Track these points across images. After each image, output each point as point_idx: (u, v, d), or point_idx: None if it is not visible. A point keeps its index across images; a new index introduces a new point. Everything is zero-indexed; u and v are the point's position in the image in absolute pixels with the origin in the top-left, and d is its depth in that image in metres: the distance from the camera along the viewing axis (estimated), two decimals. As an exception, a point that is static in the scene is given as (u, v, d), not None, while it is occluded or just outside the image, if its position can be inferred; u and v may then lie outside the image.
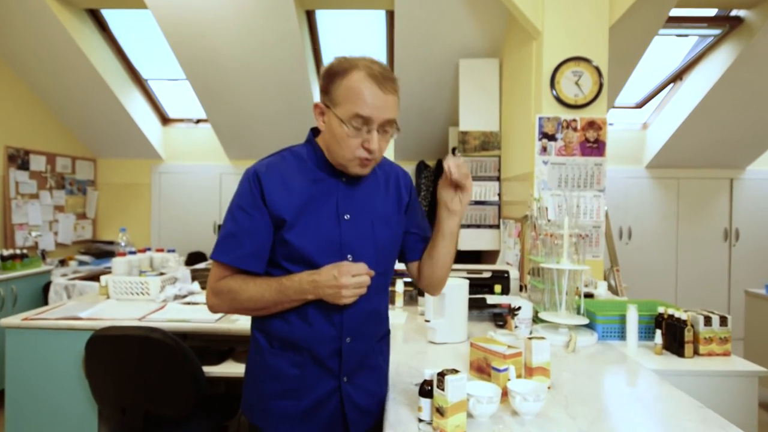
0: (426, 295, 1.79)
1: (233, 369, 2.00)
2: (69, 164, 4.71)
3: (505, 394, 1.20)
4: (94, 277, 4.04)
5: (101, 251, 4.60)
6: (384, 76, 1.08)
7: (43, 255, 4.19)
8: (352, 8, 3.74)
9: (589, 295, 2.15)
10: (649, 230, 4.73)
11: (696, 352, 1.63)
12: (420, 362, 1.57)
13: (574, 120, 2.67)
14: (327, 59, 4.25)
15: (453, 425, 1.05)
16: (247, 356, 2.07)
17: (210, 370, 1.96)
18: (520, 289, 2.43)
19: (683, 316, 1.64)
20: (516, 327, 1.84)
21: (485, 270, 2.29)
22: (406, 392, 1.30)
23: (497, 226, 3.71)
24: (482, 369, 1.40)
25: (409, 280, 2.44)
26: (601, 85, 2.65)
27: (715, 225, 4.74)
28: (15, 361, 2.06)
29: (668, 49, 4.07)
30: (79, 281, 3.47)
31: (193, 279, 2.69)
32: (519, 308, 1.83)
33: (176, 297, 2.44)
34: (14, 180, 4.07)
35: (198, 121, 5.03)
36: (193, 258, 4.69)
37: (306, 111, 4.28)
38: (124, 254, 2.57)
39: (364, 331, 1.20)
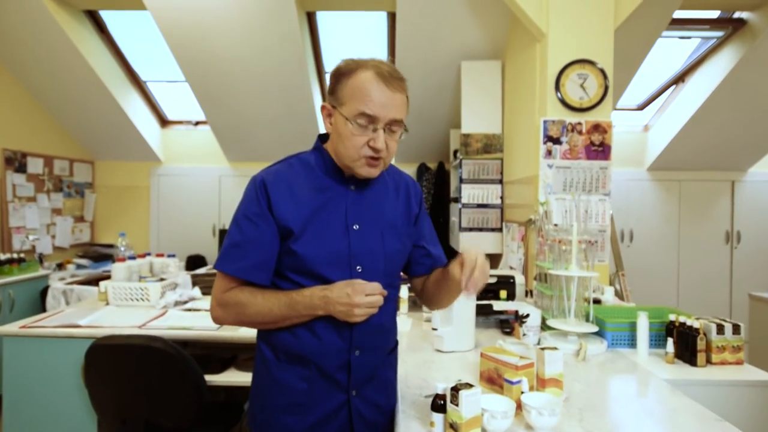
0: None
1: (236, 378, 1.96)
2: (67, 167, 4.66)
3: (518, 407, 1.17)
4: (93, 281, 4.00)
5: (99, 254, 4.56)
6: (392, 75, 1.06)
7: (41, 259, 4.14)
8: (353, 10, 3.71)
9: (596, 301, 2.12)
10: (651, 233, 4.71)
11: (708, 361, 1.60)
12: (428, 372, 1.54)
13: (579, 123, 2.64)
14: (327, 61, 4.24)
15: (467, 442, 1.02)
16: (249, 364, 2.05)
17: (212, 378, 1.92)
18: (526, 294, 2.40)
19: (695, 324, 1.61)
20: (524, 335, 1.81)
21: (491, 275, 2.26)
22: (415, 405, 1.27)
23: (500, 230, 3.68)
24: (493, 380, 1.37)
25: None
26: (606, 88, 2.62)
27: (717, 227, 4.72)
28: (13, 369, 2.02)
29: (670, 51, 4.05)
30: (77, 286, 3.43)
31: (194, 284, 2.65)
32: (527, 316, 1.80)
33: (177, 303, 2.41)
34: (11, 183, 4.02)
35: (197, 123, 4.99)
36: (193, 261, 4.65)
37: (306, 113, 4.25)
38: (123, 260, 2.53)
39: (373, 344, 1.17)
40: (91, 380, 1.80)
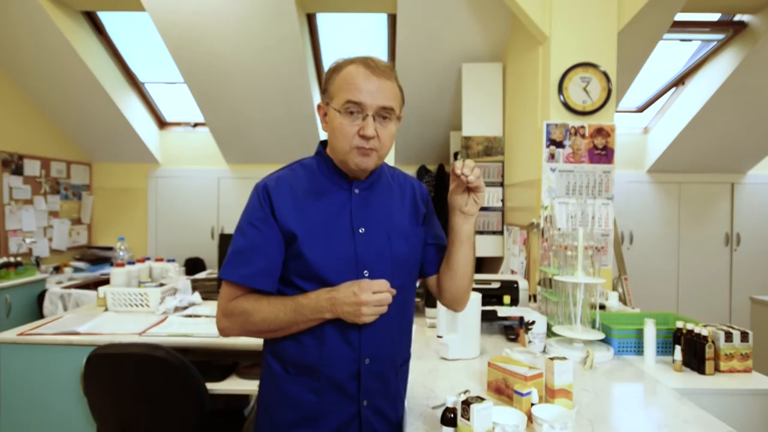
0: (438, 308, 1.74)
1: (237, 386, 1.93)
2: (64, 169, 4.62)
3: (528, 418, 1.15)
4: (90, 285, 3.96)
5: (97, 257, 4.53)
6: (377, 64, 1.07)
7: (38, 262, 4.10)
8: (353, 11, 3.69)
9: (601, 307, 2.10)
10: (651, 235, 4.71)
11: (717, 369, 1.59)
12: (434, 381, 1.52)
13: (582, 126, 2.63)
14: (327, 63, 4.19)
15: (479, 457, 1.00)
16: (250, 371, 2.03)
17: (213, 387, 1.89)
18: (529, 299, 2.38)
19: (704, 332, 1.60)
20: (529, 342, 1.79)
21: (494, 280, 2.24)
22: (424, 417, 1.25)
23: (501, 233, 3.66)
24: (501, 390, 1.35)
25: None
26: (609, 91, 2.61)
27: (717, 229, 4.73)
28: (10, 377, 1.98)
29: (671, 54, 4.05)
30: (74, 290, 3.39)
31: (194, 289, 2.62)
32: (533, 323, 1.78)
33: (177, 309, 2.38)
34: (8, 185, 3.98)
35: (196, 125, 4.96)
36: (191, 263, 4.62)
37: (306, 115, 4.22)
38: (122, 265, 2.50)
39: (384, 353, 1.14)
40: (91, 389, 1.77)
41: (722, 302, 4.72)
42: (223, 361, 2.08)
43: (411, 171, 4.73)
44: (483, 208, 3.67)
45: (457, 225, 1.17)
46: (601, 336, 1.74)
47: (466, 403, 1.01)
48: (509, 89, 3.59)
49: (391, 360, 1.16)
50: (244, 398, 2.43)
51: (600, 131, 2.63)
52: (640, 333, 1.74)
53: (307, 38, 3.81)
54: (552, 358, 1.27)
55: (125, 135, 4.57)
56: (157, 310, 2.34)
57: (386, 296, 1.05)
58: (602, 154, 2.62)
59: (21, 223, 4.10)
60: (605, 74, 2.61)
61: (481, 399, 1.03)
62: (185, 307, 2.41)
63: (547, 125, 2.63)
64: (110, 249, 4.68)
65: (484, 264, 4.06)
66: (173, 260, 2.83)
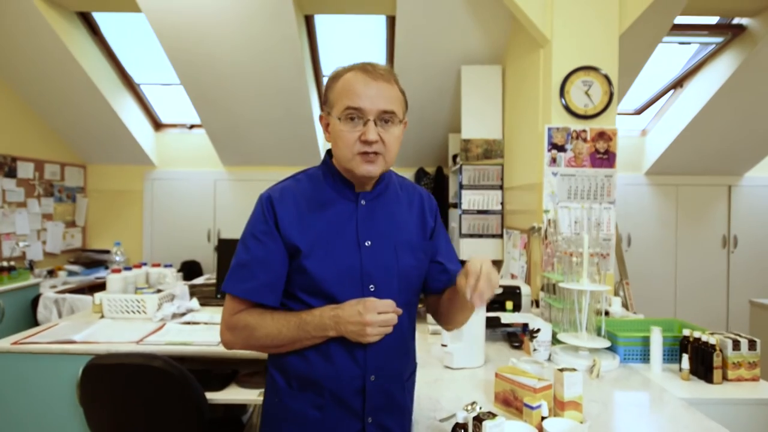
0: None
1: (237, 395, 1.89)
2: (58, 171, 4.56)
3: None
4: (85, 289, 3.91)
5: (91, 260, 4.47)
6: (376, 69, 1.05)
7: (31, 265, 4.04)
8: (352, 13, 3.66)
9: (605, 313, 2.08)
10: (648, 237, 4.71)
11: (725, 378, 1.57)
12: (439, 391, 1.49)
13: (584, 130, 2.61)
14: (326, 65, 4.18)
15: (491, 474, 0.98)
16: (250, 380, 1.99)
17: (213, 396, 1.86)
18: (531, 304, 2.36)
19: (711, 340, 1.58)
20: (534, 350, 1.77)
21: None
22: (431, 430, 1.22)
23: (500, 236, 3.65)
24: (509, 402, 1.33)
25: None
26: (611, 95, 2.59)
27: (714, 232, 4.73)
28: (4, 387, 1.93)
29: (669, 56, 4.05)
30: (69, 294, 3.34)
31: (192, 295, 2.58)
32: (538, 330, 1.76)
33: (174, 315, 2.34)
34: (1, 188, 3.92)
35: (192, 127, 4.91)
36: (188, 267, 4.57)
37: (303, 117, 4.18)
38: (119, 270, 2.45)
39: (390, 369, 1.11)
40: (88, 399, 1.73)
41: (720, 305, 4.73)
42: (222, 370, 2.04)
43: (409, 173, 4.71)
44: (482, 212, 3.66)
45: (459, 286, 1.03)
46: (608, 344, 1.72)
47: (478, 420, 0.99)
48: (509, 92, 3.58)
49: (397, 376, 1.13)
50: (242, 405, 2.39)
51: (602, 135, 2.61)
52: (645, 340, 1.72)
53: (305, 40, 3.78)
54: (561, 370, 1.25)
55: (120, 137, 4.52)
56: (155, 316, 2.30)
57: (392, 317, 1.03)
58: (604, 158, 2.61)
59: (14, 226, 4.04)
60: (607, 78, 2.60)
61: (492, 415, 1.00)
62: (183, 314, 2.37)
63: (549, 129, 2.61)
64: (105, 252, 4.63)
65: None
66: (170, 265, 2.79)
